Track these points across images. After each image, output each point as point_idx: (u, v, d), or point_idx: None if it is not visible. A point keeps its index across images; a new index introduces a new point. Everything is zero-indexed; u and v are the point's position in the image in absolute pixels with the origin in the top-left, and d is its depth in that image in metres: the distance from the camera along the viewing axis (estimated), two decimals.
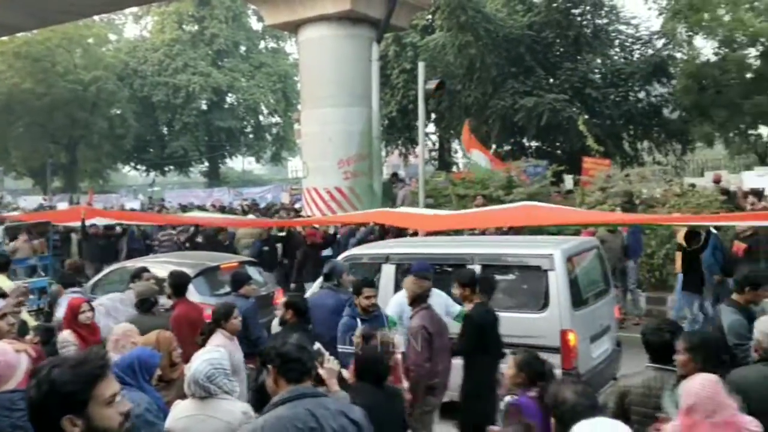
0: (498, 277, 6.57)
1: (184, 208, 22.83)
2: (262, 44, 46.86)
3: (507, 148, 22.17)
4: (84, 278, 9.43)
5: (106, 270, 9.68)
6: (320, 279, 6.98)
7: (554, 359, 6.02)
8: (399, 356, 4.89)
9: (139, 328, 4.58)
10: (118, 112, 41.37)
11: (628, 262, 11.18)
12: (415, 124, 17.81)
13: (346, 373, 4.17)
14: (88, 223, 13.32)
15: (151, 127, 43.04)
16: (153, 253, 12.98)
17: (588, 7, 21.16)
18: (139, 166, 46.90)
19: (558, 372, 5.82)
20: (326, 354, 3.81)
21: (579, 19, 21.13)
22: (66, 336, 5.49)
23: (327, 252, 11.49)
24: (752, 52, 19.38)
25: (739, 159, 23.18)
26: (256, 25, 44.19)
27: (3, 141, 39.53)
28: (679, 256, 10.46)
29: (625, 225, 10.61)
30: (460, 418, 5.48)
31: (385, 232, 11.31)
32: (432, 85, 13.45)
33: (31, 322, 6.52)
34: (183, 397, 3.68)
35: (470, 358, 5.47)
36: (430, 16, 23.37)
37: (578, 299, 6.37)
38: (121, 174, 54.78)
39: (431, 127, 26.45)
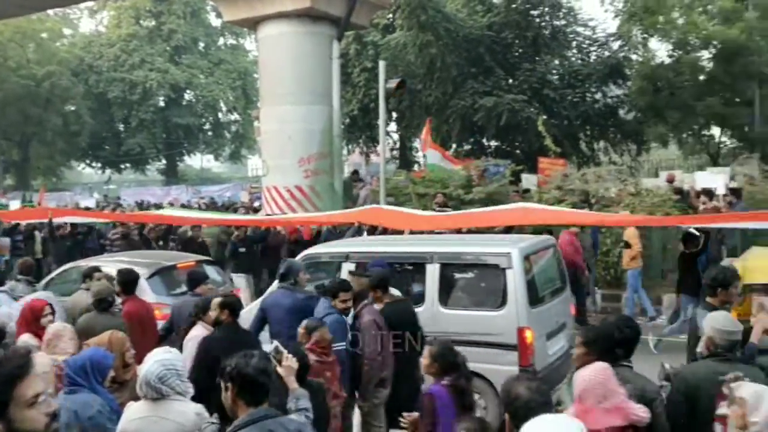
0: (457, 275, 6.66)
1: (141, 206, 22.42)
2: (221, 41, 46.28)
3: (467, 147, 22.34)
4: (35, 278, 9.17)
5: (59, 269, 9.46)
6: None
7: (512, 356, 6.12)
8: (334, 357, 4.92)
9: (97, 328, 4.50)
10: (73, 108, 40.48)
11: (591, 260, 11.38)
12: (377, 123, 17.80)
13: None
14: (60, 221, 13.04)
15: (106, 123, 42.17)
16: (106, 252, 12.72)
17: (546, 9, 21.42)
18: (94, 164, 45.85)
19: (515, 369, 5.92)
20: (284, 352, 3.79)
21: (538, 20, 21.38)
22: (26, 339, 5.30)
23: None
24: (705, 54, 19.76)
25: (693, 159, 23.65)
26: (215, 22, 43.57)
27: None
28: (627, 253, 10.76)
29: (624, 225, 10.71)
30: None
31: (373, 232, 11.04)
32: (393, 84, 13.52)
33: None
34: (136, 398, 3.62)
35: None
36: (391, 15, 23.42)
37: (535, 297, 6.47)
38: (75, 172, 53.45)
39: (392, 126, 26.53)
